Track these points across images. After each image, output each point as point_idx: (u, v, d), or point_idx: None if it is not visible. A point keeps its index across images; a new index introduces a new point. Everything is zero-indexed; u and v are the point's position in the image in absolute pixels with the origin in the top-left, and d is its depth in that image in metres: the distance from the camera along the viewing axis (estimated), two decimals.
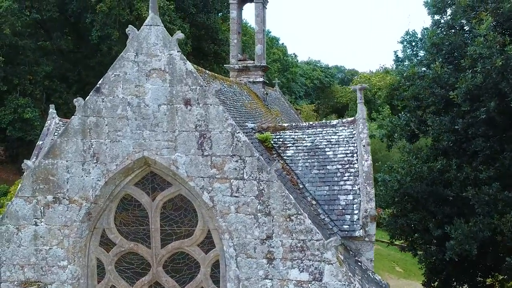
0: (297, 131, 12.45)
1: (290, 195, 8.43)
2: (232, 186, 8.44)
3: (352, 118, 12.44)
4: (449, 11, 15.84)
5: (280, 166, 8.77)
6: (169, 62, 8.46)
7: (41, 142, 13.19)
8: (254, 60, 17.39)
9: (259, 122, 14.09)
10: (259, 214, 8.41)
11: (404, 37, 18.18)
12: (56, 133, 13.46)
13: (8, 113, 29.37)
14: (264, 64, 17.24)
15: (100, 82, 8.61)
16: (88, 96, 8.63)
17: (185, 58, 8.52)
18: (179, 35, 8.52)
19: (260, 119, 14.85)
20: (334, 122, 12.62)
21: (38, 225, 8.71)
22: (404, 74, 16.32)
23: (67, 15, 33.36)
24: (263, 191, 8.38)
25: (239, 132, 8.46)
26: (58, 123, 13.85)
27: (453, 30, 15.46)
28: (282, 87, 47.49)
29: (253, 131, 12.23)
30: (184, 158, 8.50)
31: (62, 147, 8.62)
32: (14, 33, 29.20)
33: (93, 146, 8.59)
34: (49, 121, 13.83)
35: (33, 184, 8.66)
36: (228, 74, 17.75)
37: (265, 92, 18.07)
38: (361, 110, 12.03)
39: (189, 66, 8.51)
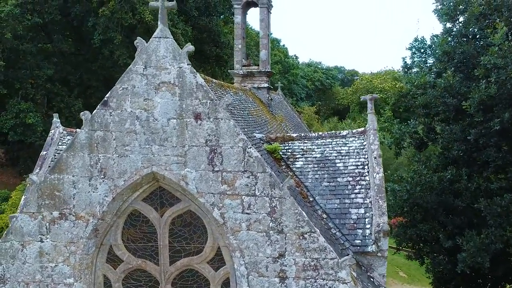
0: (306, 141, 12.22)
1: (303, 212, 8.18)
2: (244, 203, 8.20)
3: (363, 128, 12.19)
4: (461, 19, 15.56)
5: (293, 182, 8.52)
6: (179, 75, 8.21)
7: (45, 152, 12.96)
8: (258, 65, 17.16)
9: (266, 130, 13.88)
10: (271, 231, 8.16)
11: (412, 44, 17.88)
12: (60, 143, 13.26)
13: (10, 117, 28.97)
14: (268, 70, 17.01)
15: (107, 95, 8.37)
16: (95, 110, 8.39)
17: (195, 71, 8.27)
18: (189, 47, 8.27)
19: (266, 126, 14.64)
20: (344, 132, 12.37)
21: (43, 242, 8.47)
22: (415, 83, 16.06)
23: (69, 19, 33.08)
24: (276, 208, 8.14)
25: (250, 147, 8.22)
26: (62, 132, 13.63)
27: (465, 39, 15.18)
28: (284, 89, 47.15)
29: (261, 141, 11.99)
30: (194, 173, 8.26)
31: (69, 162, 8.39)
32: (15, 36, 28.90)
33: (100, 161, 8.35)
34: (52, 130, 13.61)
35: (39, 199, 8.43)
36: (230, 77, 17.48)
37: (269, 97, 17.85)
38: (372, 121, 11.80)
39: (200, 79, 8.26)
